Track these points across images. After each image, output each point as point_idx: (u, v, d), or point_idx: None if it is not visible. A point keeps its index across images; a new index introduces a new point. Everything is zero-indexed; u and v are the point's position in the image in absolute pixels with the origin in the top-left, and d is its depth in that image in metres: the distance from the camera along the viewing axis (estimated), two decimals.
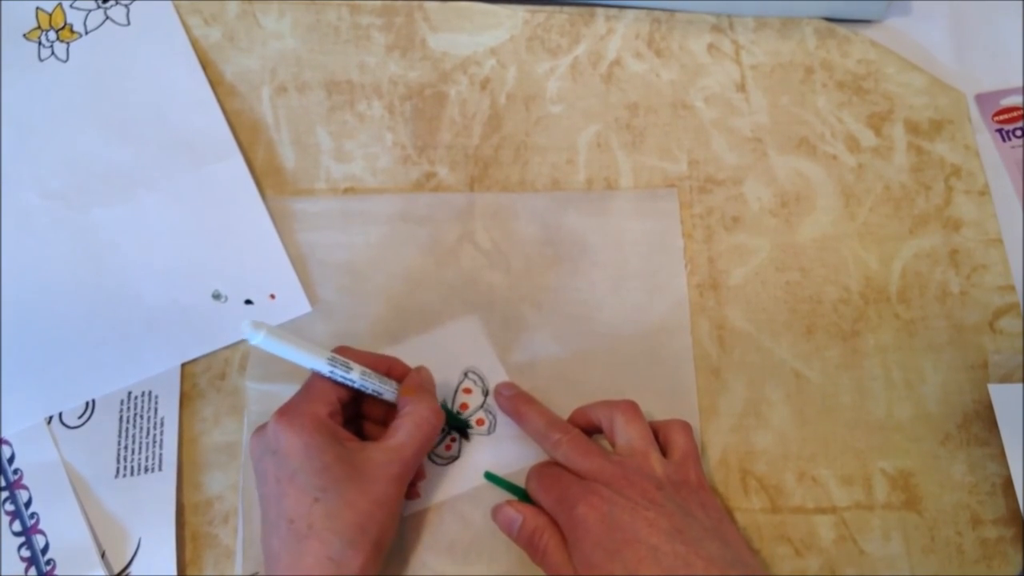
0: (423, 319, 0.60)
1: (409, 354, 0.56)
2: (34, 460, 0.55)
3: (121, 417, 0.56)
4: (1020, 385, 0.57)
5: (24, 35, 0.64)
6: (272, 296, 0.59)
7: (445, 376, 0.58)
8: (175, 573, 0.52)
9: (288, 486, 0.46)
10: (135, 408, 0.56)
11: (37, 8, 0.65)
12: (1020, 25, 0.70)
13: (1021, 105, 0.67)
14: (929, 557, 0.54)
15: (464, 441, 0.57)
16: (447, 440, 0.57)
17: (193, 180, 0.61)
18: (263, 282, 0.59)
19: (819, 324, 0.59)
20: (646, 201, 0.63)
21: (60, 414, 0.56)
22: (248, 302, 0.59)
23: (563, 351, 0.60)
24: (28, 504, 0.53)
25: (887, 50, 0.68)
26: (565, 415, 0.56)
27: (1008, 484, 0.56)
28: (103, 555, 0.52)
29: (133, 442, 0.55)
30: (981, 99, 0.68)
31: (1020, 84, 0.68)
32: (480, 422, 0.58)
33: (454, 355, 0.59)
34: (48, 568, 0.51)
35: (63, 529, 0.52)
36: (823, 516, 0.55)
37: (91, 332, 0.57)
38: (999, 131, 0.67)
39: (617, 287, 0.61)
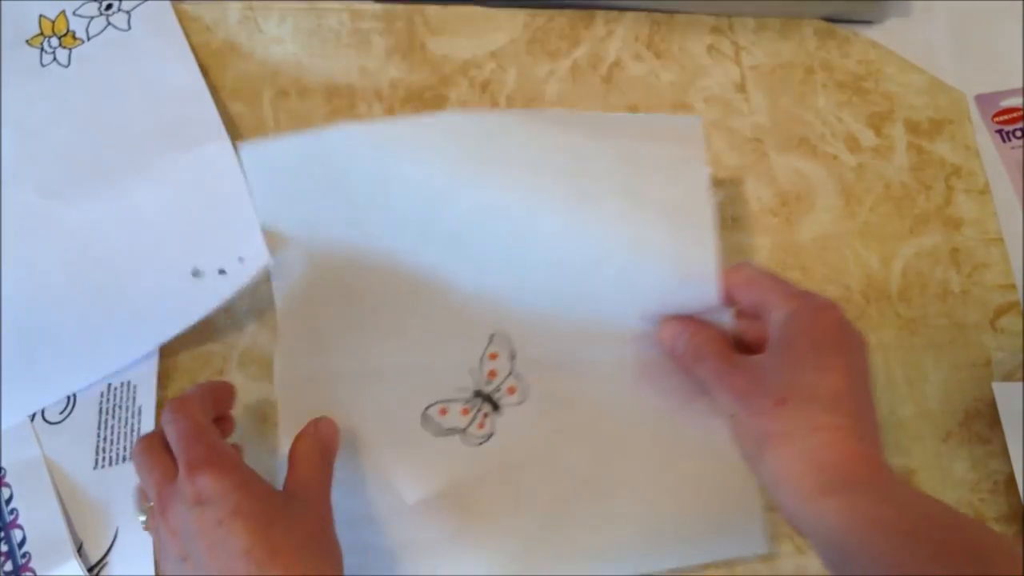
0: (436, 287, 0.56)
1: (427, 323, 0.55)
2: (17, 458, 0.55)
3: (101, 409, 0.56)
4: (1023, 384, 0.57)
5: (27, 41, 0.65)
6: (241, 259, 0.57)
7: (467, 342, 0.55)
8: (152, 562, 0.52)
9: (233, 522, 0.42)
10: (114, 399, 0.56)
11: (40, 15, 0.65)
12: (1020, 25, 0.70)
13: (1021, 106, 0.67)
14: None
15: (496, 415, 0.54)
16: (479, 418, 0.54)
17: (180, 165, 0.60)
18: (234, 248, 0.58)
19: None
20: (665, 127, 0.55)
21: (43, 410, 0.56)
22: (222, 272, 0.57)
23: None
24: (9, 500, 0.54)
25: (887, 50, 0.68)
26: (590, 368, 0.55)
27: (1010, 481, 0.55)
28: (80, 547, 0.52)
29: (112, 433, 0.55)
30: (981, 100, 0.68)
31: (1020, 84, 0.68)
32: (512, 390, 0.55)
33: (476, 319, 0.56)
34: (23, 561, 0.52)
35: (41, 524, 0.53)
36: None
37: (85, 330, 0.57)
38: (999, 131, 0.67)
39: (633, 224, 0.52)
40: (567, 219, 0.52)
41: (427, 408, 0.54)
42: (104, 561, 0.52)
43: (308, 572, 0.43)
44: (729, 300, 0.50)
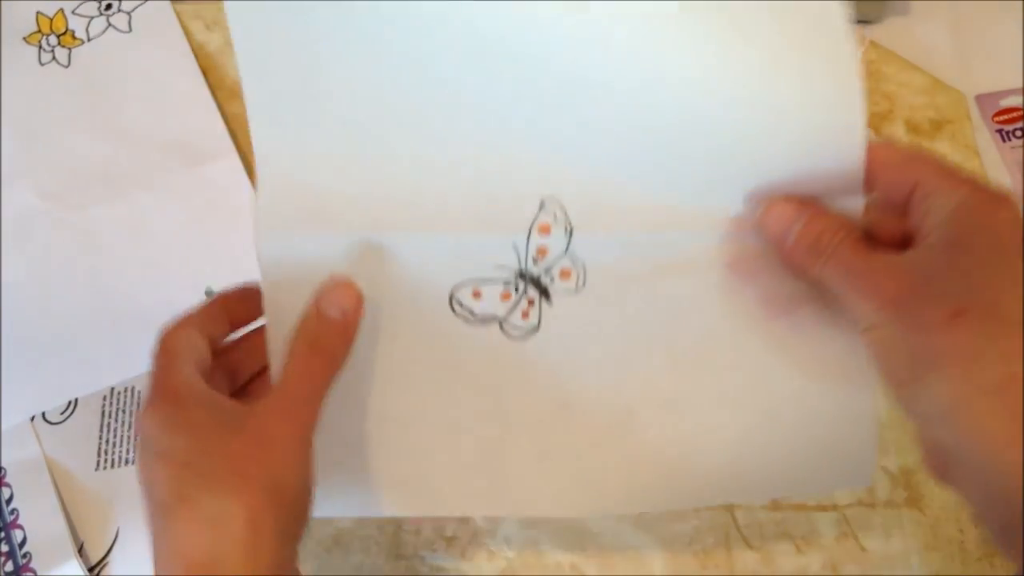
0: (471, 125, 0.42)
1: (459, 177, 0.42)
2: (17, 458, 0.55)
3: (104, 412, 0.57)
4: None
5: (24, 38, 0.65)
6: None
7: (512, 207, 0.43)
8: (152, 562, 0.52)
9: (155, 466, 0.38)
10: (117, 403, 0.57)
11: (38, 12, 0.65)
12: (1020, 25, 0.70)
13: (1021, 106, 0.67)
14: (931, 555, 0.54)
15: (545, 303, 0.44)
16: (523, 305, 0.44)
17: (189, 180, 0.61)
18: (247, 268, 0.58)
19: None
20: None
21: (44, 411, 0.57)
22: None
23: None
24: (9, 500, 0.54)
25: (887, 50, 0.68)
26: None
27: None
28: (81, 547, 0.53)
29: (115, 436, 0.56)
30: (981, 99, 0.68)
31: (1020, 84, 0.68)
32: (566, 274, 0.43)
33: (525, 177, 0.42)
34: (24, 561, 0.52)
35: (41, 524, 0.53)
36: (825, 513, 0.55)
37: (85, 331, 0.57)
38: (999, 131, 0.67)
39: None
40: (674, 49, 0.39)
41: (456, 288, 0.43)
42: (105, 561, 0.53)
43: (208, 517, 0.36)
44: (869, 183, 0.40)
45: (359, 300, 0.41)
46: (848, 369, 0.42)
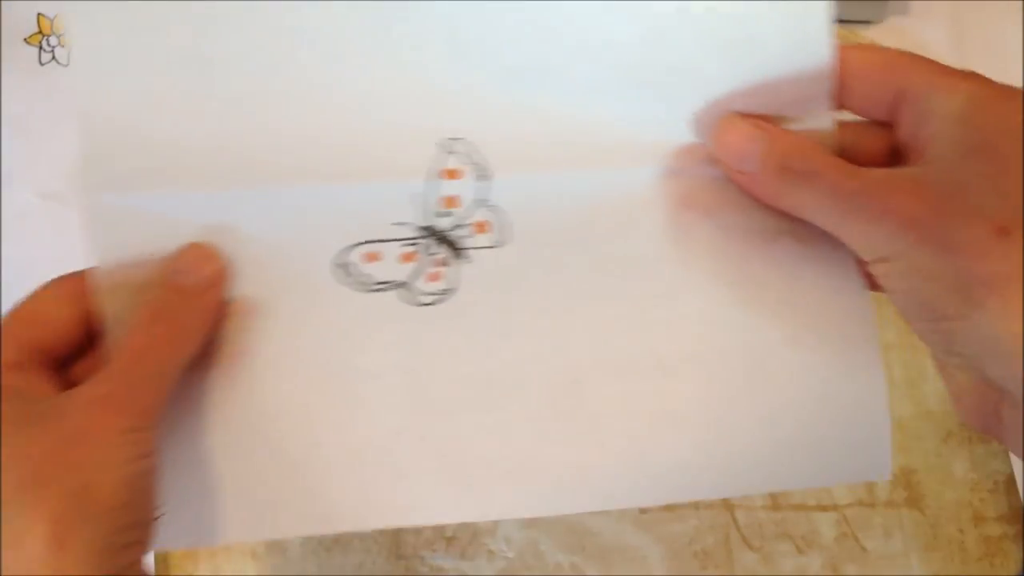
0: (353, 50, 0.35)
1: (342, 114, 0.35)
2: None
3: None
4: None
5: (25, 39, 0.65)
6: None
7: (410, 150, 0.35)
8: (152, 561, 0.52)
9: None
10: None
11: (39, 14, 0.65)
12: (1020, 25, 0.70)
13: None
14: (931, 555, 0.54)
15: (459, 263, 0.36)
16: (429, 266, 0.36)
17: None
18: None
19: None
20: None
21: None
22: None
23: None
24: None
25: None
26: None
27: (1010, 481, 0.55)
28: None
29: None
30: None
31: (1020, 84, 0.68)
32: (482, 226, 0.36)
33: (424, 113, 0.35)
34: None
35: None
36: (824, 513, 0.55)
37: None
38: None
39: None
40: None
41: (345, 252, 0.36)
42: None
43: (11, 529, 0.29)
44: (843, 97, 0.35)
45: (221, 267, 0.35)
46: (844, 312, 0.36)
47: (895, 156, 0.34)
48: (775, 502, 0.55)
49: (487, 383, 0.36)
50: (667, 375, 0.36)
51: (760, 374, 0.37)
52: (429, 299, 0.36)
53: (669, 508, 0.54)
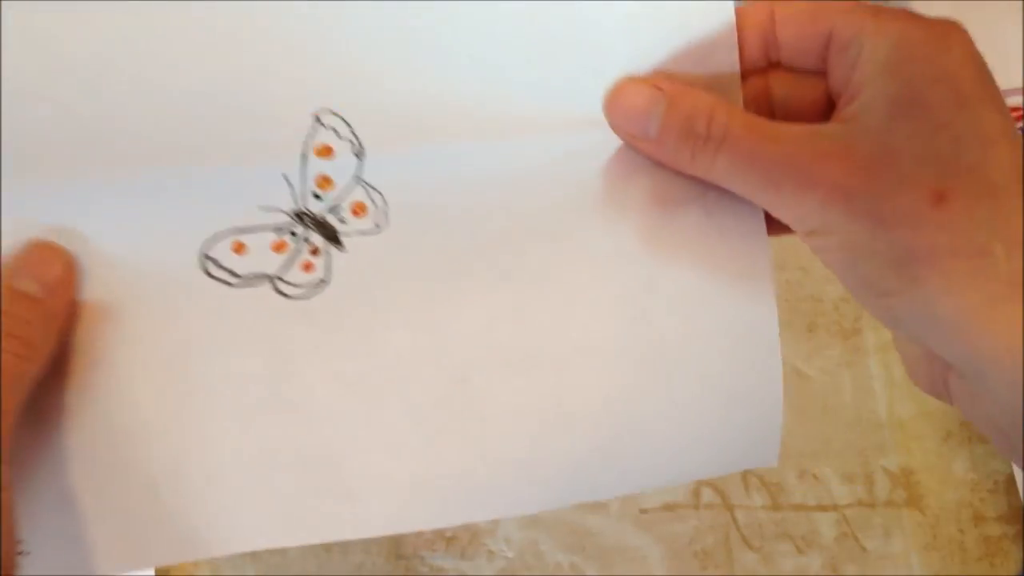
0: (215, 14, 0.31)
1: (201, 87, 0.30)
2: None
3: None
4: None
5: None
6: None
7: (279, 125, 0.31)
8: None
9: None
10: None
11: None
12: (1020, 25, 0.70)
13: (1021, 106, 0.67)
14: (931, 555, 0.54)
15: (334, 250, 0.32)
16: (303, 255, 0.32)
17: None
18: None
19: (820, 323, 0.59)
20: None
21: None
22: None
23: None
24: None
25: None
26: None
27: (1010, 481, 0.55)
28: None
29: None
30: None
31: (1020, 84, 0.68)
32: (359, 209, 0.32)
33: (291, 88, 0.31)
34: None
35: None
36: (824, 514, 0.55)
37: None
38: None
39: None
40: None
41: (209, 243, 0.32)
42: None
43: None
44: (771, 46, 0.32)
45: (70, 268, 0.30)
46: (748, 297, 0.33)
47: (831, 109, 0.31)
48: (775, 502, 0.55)
49: (364, 384, 0.33)
50: (560, 370, 0.33)
51: (657, 365, 0.34)
52: (302, 292, 0.32)
53: (669, 508, 0.54)
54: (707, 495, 0.55)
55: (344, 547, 0.54)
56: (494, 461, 0.33)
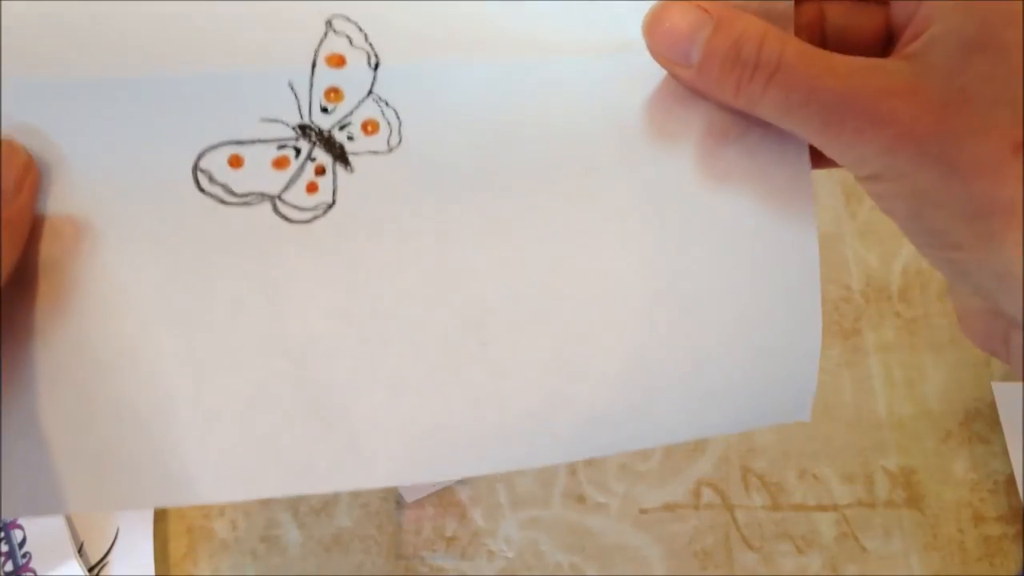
0: None
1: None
2: None
3: None
4: (1023, 384, 0.57)
5: None
6: None
7: (285, 31, 0.29)
8: (152, 562, 0.52)
9: None
10: None
11: None
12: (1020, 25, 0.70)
13: None
14: (931, 555, 0.54)
15: (341, 170, 0.30)
16: (307, 174, 0.29)
17: None
18: None
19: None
20: None
21: None
22: None
23: None
24: None
25: None
26: None
27: (1010, 481, 0.55)
28: (80, 547, 0.52)
29: None
30: None
31: None
32: (371, 127, 0.29)
33: None
34: (24, 561, 0.52)
35: (41, 524, 0.53)
36: (824, 514, 0.55)
37: None
38: None
39: None
40: None
41: (204, 155, 0.29)
42: (104, 561, 0.52)
43: None
44: None
45: (27, 168, 0.27)
46: (789, 248, 0.31)
47: (890, 42, 0.29)
48: (775, 502, 0.55)
49: (371, 323, 0.30)
50: (582, 316, 0.31)
51: (687, 314, 0.31)
52: (304, 215, 0.29)
53: (669, 508, 0.54)
54: (707, 495, 0.55)
55: (344, 547, 0.54)
56: (506, 412, 0.31)
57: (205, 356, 0.29)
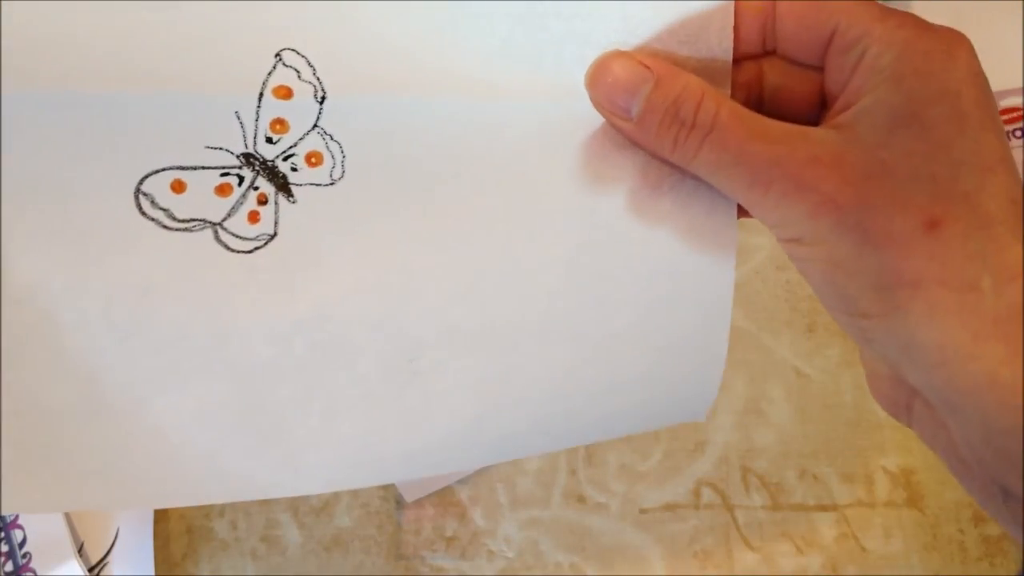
0: None
1: (147, 23, 0.27)
2: None
3: None
4: None
5: None
6: None
7: (234, 61, 0.28)
8: (152, 562, 0.52)
9: None
10: None
11: None
12: (1020, 25, 0.70)
13: (1021, 106, 0.67)
14: (931, 555, 0.54)
15: (283, 200, 0.30)
16: (249, 203, 0.30)
17: None
18: None
19: (820, 322, 0.59)
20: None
21: None
22: None
23: None
24: None
25: None
26: None
27: None
28: (81, 547, 0.52)
29: None
30: None
31: (1020, 84, 0.68)
32: (314, 159, 0.30)
33: (254, 21, 0.28)
34: (24, 561, 0.52)
35: (41, 524, 0.53)
36: (824, 514, 0.55)
37: None
38: None
39: None
40: None
41: (146, 179, 0.29)
42: (104, 561, 0.52)
43: None
44: (771, 39, 0.30)
45: None
46: (708, 289, 0.33)
47: (824, 106, 0.30)
48: (775, 502, 0.55)
49: (311, 352, 0.31)
50: (513, 347, 0.32)
51: (606, 346, 0.33)
52: (246, 245, 0.30)
53: (669, 508, 0.54)
54: (707, 495, 0.55)
55: (344, 547, 0.54)
56: (436, 433, 0.33)
57: (145, 373, 0.30)
